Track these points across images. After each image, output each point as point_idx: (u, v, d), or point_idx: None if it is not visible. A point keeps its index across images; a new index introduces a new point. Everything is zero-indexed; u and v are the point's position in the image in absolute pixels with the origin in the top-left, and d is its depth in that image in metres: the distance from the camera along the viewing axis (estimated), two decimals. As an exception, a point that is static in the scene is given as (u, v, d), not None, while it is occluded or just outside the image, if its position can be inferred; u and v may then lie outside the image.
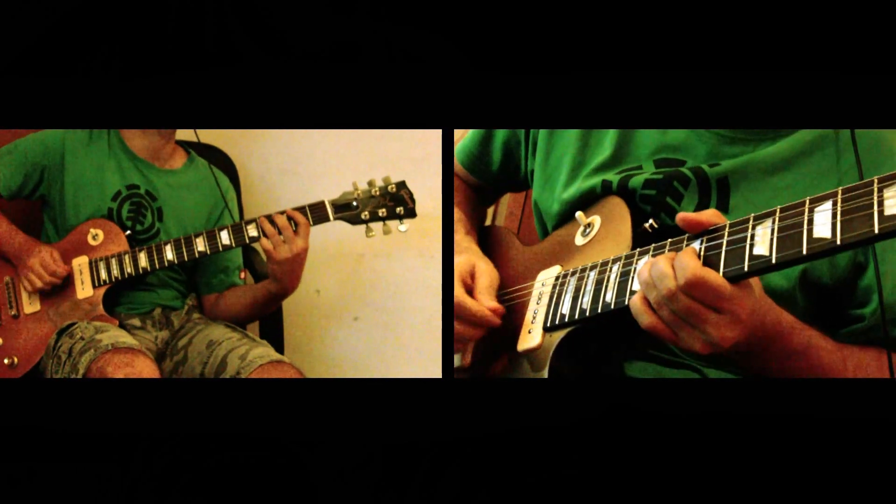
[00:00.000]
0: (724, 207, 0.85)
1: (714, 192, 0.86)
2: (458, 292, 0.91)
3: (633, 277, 0.76)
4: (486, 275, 0.94)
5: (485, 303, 0.90)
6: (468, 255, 0.98)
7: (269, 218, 1.29)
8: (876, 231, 0.58)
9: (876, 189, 0.59)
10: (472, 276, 0.94)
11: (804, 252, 0.62)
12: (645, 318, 0.71)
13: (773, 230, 0.65)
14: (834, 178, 0.82)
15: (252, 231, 1.32)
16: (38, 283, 1.33)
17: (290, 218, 1.29)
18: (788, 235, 0.63)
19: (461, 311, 0.90)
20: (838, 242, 0.60)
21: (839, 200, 0.61)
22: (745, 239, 0.66)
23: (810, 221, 0.62)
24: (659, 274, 0.68)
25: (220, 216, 1.48)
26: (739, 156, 0.86)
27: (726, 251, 0.67)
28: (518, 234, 1.39)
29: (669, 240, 0.76)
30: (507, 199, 1.79)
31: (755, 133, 0.87)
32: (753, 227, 0.67)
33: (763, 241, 0.65)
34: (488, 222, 1.52)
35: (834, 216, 0.61)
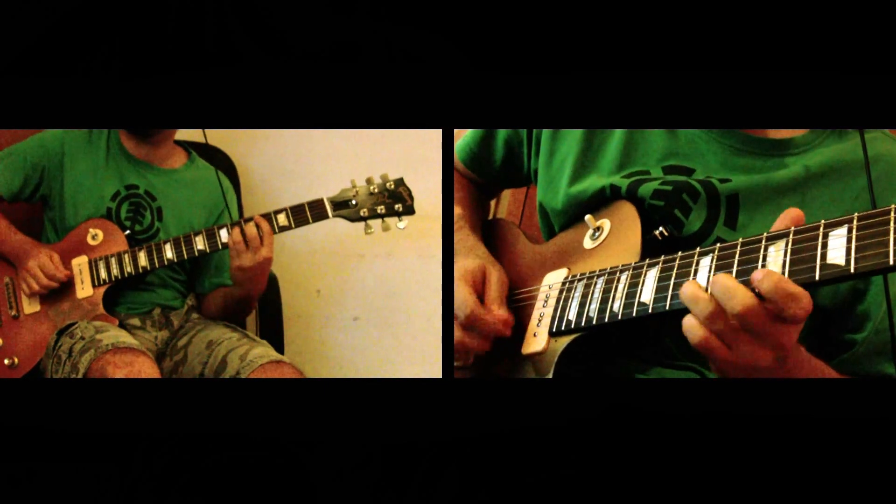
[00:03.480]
0: (731, 224, 0.85)
1: (723, 208, 0.85)
2: (472, 301, 0.87)
3: (640, 289, 0.75)
4: (498, 282, 0.91)
5: (496, 313, 0.87)
6: (478, 258, 0.95)
7: (240, 224, 1.30)
8: (891, 262, 0.56)
9: (893, 218, 0.57)
10: (484, 282, 0.92)
11: (817, 278, 0.60)
12: (699, 332, 0.66)
13: (786, 252, 0.63)
14: (845, 203, 0.82)
15: (251, 230, 1.32)
16: (36, 287, 1.33)
17: (256, 225, 1.29)
18: (801, 258, 0.62)
19: (475, 321, 0.86)
20: (852, 271, 0.58)
21: (854, 227, 0.60)
22: (757, 259, 0.65)
23: (824, 246, 0.61)
24: (725, 290, 0.65)
25: (220, 216, 1.48)
26: (749, 169, 0.86)
27: (738, 270, 0.66)
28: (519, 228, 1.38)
29: (679, 253, 0.74)
30: (507, 195, 1.79)
31: (765, 146, 0.87)
32: (766, 248, 0.65)
33: (776, 262, 0.64)
34: (489, 217, 1.51)
35: (849, 241, 0.59)
